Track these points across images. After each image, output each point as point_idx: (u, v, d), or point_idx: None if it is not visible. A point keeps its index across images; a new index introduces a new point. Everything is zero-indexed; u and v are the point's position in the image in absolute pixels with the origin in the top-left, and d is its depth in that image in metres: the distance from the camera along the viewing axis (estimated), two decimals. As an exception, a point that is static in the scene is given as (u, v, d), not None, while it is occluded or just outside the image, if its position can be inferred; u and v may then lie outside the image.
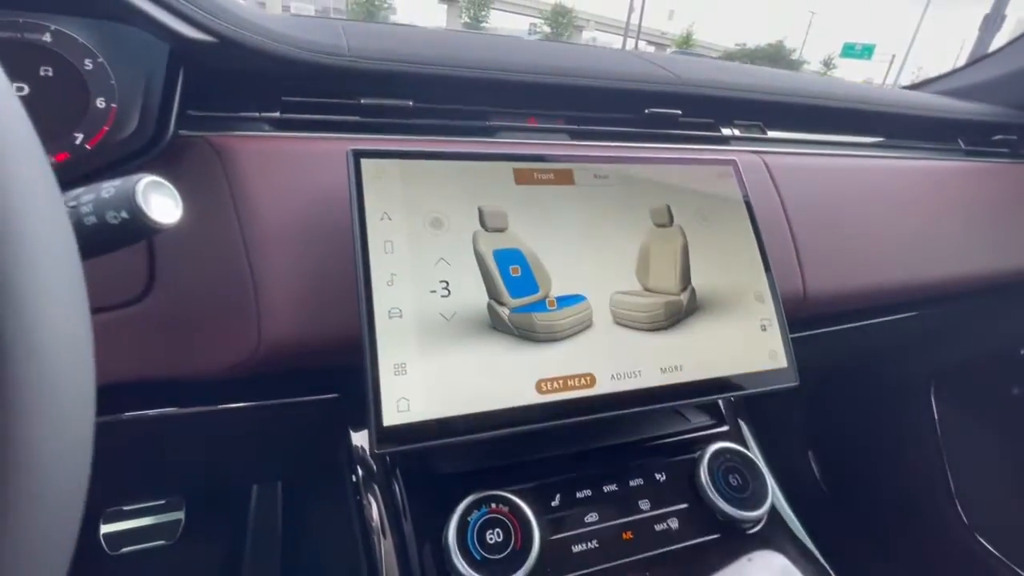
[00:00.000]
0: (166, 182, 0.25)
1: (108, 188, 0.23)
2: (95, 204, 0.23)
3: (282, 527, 0.91)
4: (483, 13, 33.36)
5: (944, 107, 0.78)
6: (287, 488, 0.93)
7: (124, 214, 0.23)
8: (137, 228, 0.23)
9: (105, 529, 0.76)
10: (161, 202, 0.24)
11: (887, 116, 0.72)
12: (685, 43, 39.04)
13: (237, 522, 0.90)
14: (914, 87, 0.99)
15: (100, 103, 0.36)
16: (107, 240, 0.24)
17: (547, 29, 36.11)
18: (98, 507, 0.75)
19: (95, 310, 0.38)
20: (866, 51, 34.01)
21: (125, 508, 0.77)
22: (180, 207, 0.25)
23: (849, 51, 34.17)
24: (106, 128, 0.36)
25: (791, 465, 1.20)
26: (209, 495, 0.86)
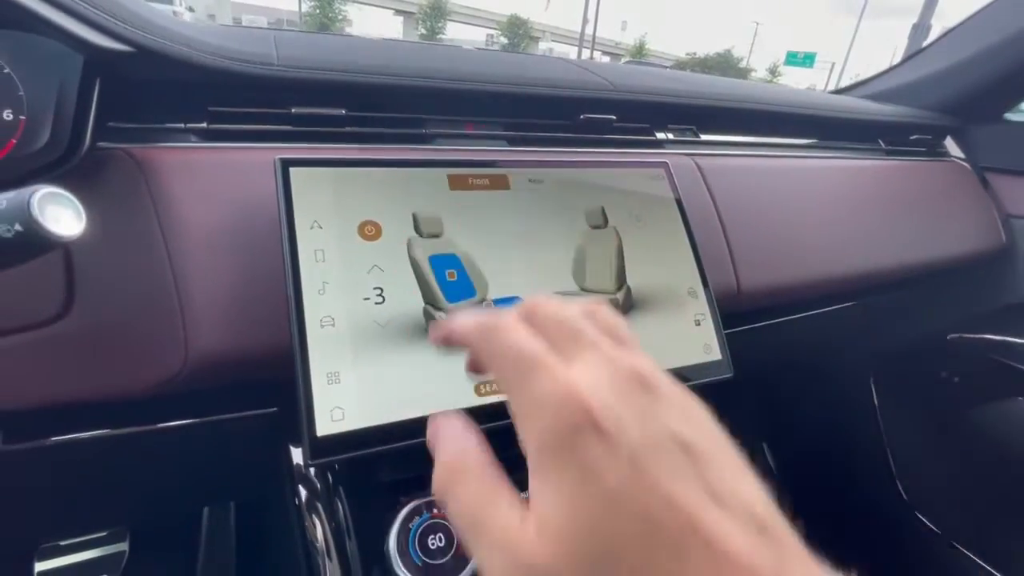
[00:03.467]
0: (65, 192, 0.24)
1: (0, 200, 0.22)
2: (-14, 218, 0.22)
3: (236, 551, 0.87)
4: (439, 25, 33.44)
5: (866, 110, 0.83)
6: (240, 509, 0.90)
7: (19, 227, 0.22)
8: (34, 241, 0.22)
9: (40, 567, 0.71)
10: (60, 213, 0.23)
11: (814, 119, 0.76)
12: (639, 53, 40.11)
13: (187, 549, 0.86)
14: (839, 91, 1.05)
15: (7, 115, 0.35)
16: (2, 255, 0.23)
17: (504, 40, 36.50)
18: (31, 542, 0.70)
19: (11, 331, 0.37)
20: (808, 59, 35.74)
21: (62, 543, 0.73)
22: (83, 219, 0.24)
23: (792, 59, 35.85)
24: (13, 141, 0.34)
25: (747, 456, 1.24)
26: (156, 522, 0.82)
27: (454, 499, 0.20)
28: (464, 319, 0.23)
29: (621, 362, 0.20)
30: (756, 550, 0.16)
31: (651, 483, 0.17)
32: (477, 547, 0.19)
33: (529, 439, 0.19)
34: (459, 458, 0.21)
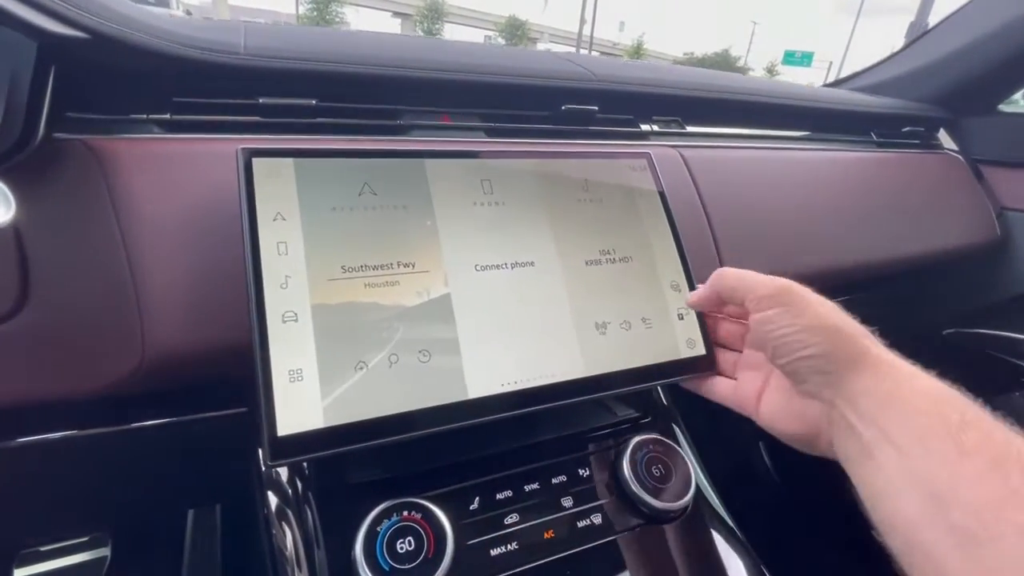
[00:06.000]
0: (-9, 179, 0.23)
1: (-82, 186, 0.21)
2: (-99, 204, 0.20)
3: (221, 554, 0.86)
4: (437, 27, 33.47)
5: (858, 102, 0.81)
6: (226, 511, 0.89)
7: (-64, 214, 0.21)
8: (-45, 229, 0.21)
9: (19, 574, 0.70)
10: (-17, 200, 0.22)
11: (805, 110, 0.75)
12: (636, 53, 40.14)
13: (171, 553, 0.84)
14: (833, 84, 1.03)
15: (-44, 105, 0.33)
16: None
17: (501, 41, 36.54)
18: (10, 548, 0.69)
19: (-38, 331, 0.35)
20: (805, 58, 35.79)
21: (42, 549, 0.72)
22: (12, 206, 0.23)
23: (790, 58, 35.90)
24: (-38, 131, 0.33)
25: (744, 456, 1.23)
26: (139, 525, 0.81)
27: None
28: None
29: None
30: None
31: None
32: None
33: None
34: None
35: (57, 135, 0.37)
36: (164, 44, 0.39)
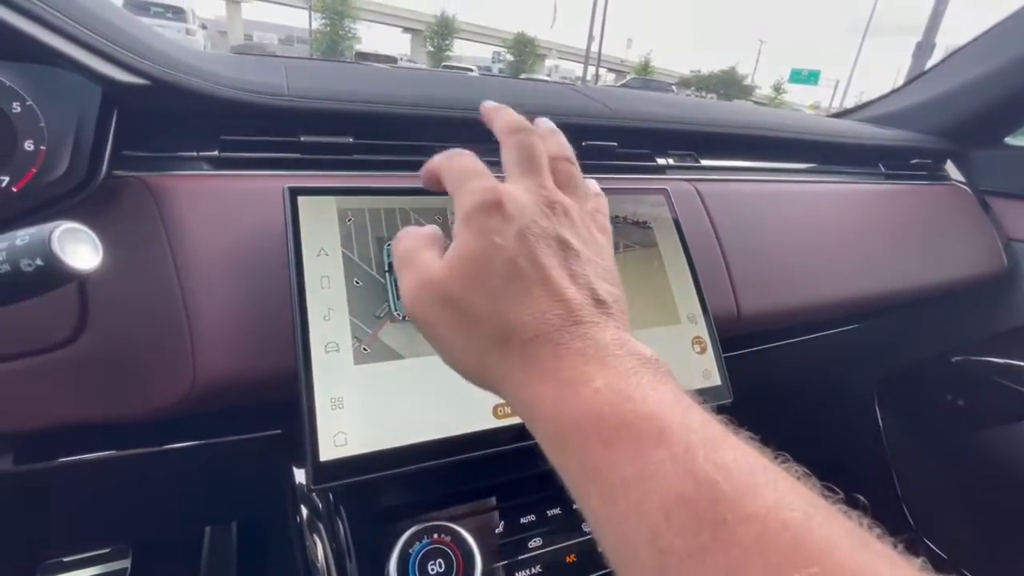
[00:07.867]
0: (84, 228, 0.25)
1: (23, 236, 0.23)
2: (8, 252, 0.23)
3: (237, 571, 0.87)
4: (446, 42, 33.97)
5: (866, 134, 0.84)
6: (242, 529, 0.90)
7: (39, 261, 0.23)
8: (53, 275, 0.23)
9: (42, 583, 0.71)
10: (78, 248, 0.24)
11: (814, 144, 0.77)
12: (644, 70, 40.52)
13: (189, 568, 0.86)
14: (840, 115, 1.06)
15: (28, 146, 0.36)
16: (22, 288, 0.24)
17: (510, 57, 37.02)
18: (35, 558, 0.71)
19: (24, 354, 0.38)
20: (812, 77, 35.99)
21: (65, 559, 0.73)
22: (99, 253, 0.25)
23: (796, 77, 36.11)
24: (34, 171, 0.36)
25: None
26: (158, 540, 0.82)
27: (396, 245, 0.30)
28: (437, 155, 0.33)
29: (548, 193, 0.28)
30: (584, 301, 0.25)
31: (526, 249, 0.25)
32: (403, 272, 0.28)
33: (457, 215, 0.27)
34: (412, 229, 0.31)
35: (116, 172, 0.40)
36: (217, 88, 0.42)
